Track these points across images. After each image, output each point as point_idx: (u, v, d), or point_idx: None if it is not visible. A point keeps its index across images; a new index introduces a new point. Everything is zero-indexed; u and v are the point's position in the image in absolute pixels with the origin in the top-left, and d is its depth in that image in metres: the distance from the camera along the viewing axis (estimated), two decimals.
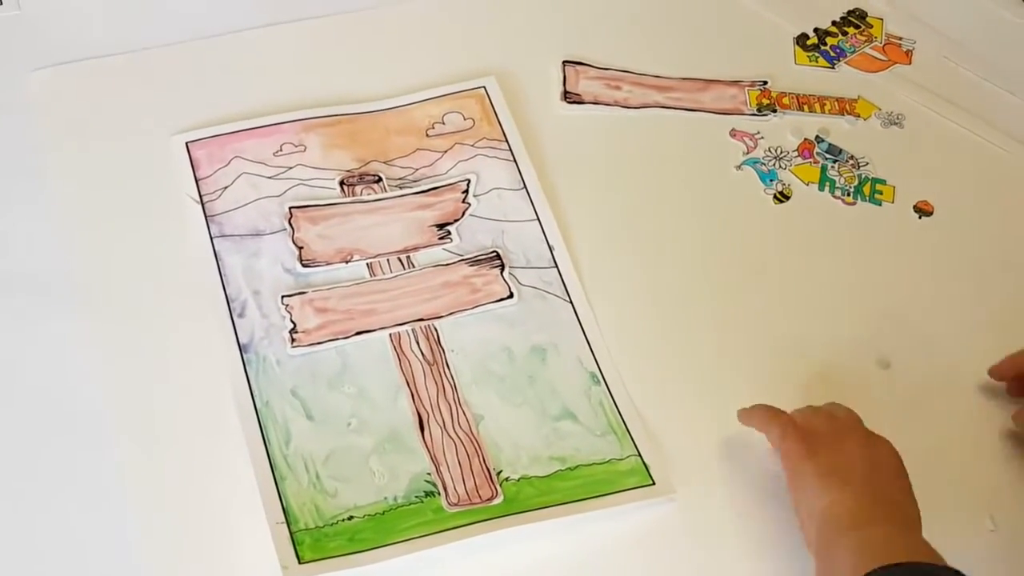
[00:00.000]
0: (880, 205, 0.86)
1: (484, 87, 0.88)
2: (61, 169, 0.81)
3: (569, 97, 0.89)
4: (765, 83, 0.92)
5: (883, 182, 0.87)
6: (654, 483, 0.71)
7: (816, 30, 0.96)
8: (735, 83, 0.92)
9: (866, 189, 0.87)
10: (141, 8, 0.90)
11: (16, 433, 0.70)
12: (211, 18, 0.90)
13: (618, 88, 0.90)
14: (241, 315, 0.75)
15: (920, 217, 0.86)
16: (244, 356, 0.74)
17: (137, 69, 0.86)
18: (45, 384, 0.72)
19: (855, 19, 0.97)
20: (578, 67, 0.91)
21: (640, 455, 0.72)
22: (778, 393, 0.73)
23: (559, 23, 0.94)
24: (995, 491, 0.73)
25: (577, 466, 0.71)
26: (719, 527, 0.70)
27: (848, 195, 0.87)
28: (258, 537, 0.66)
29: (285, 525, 0.67)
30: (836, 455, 0.67)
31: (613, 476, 0.71)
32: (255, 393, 0.72)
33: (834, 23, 0.97)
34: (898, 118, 0.91)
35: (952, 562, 0.60)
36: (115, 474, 0.68)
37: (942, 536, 0.62)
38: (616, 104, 0.89)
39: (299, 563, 0.65)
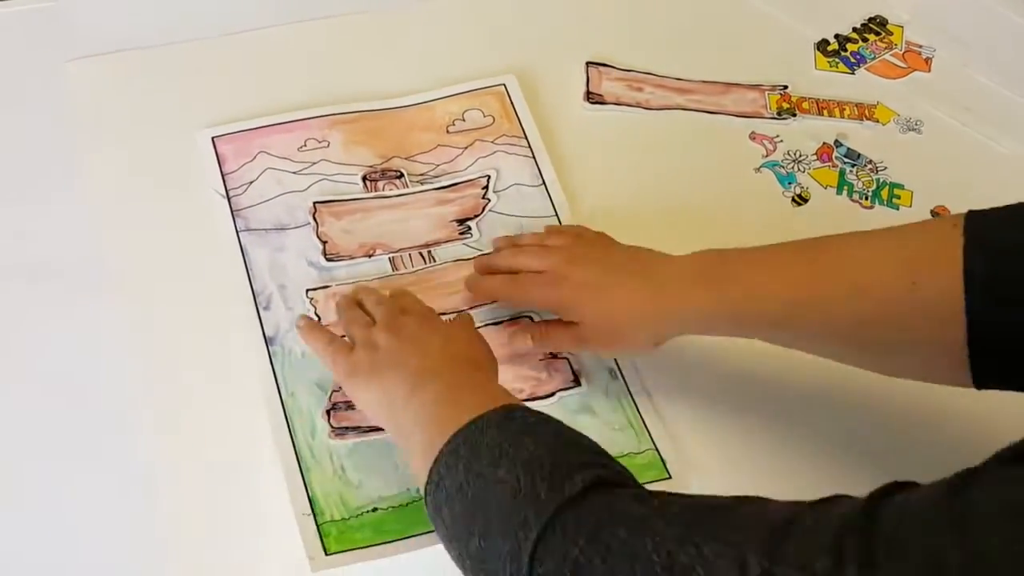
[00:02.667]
0: (898, 209, 0.87)
1: (504, 84, 0.89)
2: (91, 160, 0.82)
3: (592, 97, 0.90)
4: (785, 87, 0.93)
5: (901, 187, 0.88)
6: (671, 477, 0.72)
7: (837, 36, 0.97)
8: (755, 87, 0.93)
9: (884, 193, 0.88)
10: (173, 2, 0.91)
11: (45, 420, 0.71)
12: (240, 14, 0.91)
13: (640, 90, 0.91)
14: (267, 308, 0.77)
15: None
16: (270, 349, 0.75)
17: (167, 63, 0.88)
18: (73, 374, 0.73)
19: (876, 26, 0.98)
20: (601, 68, 0.92)
21: (657, 449, 0.73)
22: (793, 386, 0.75)
23: (579, 24, 0.95)
24: None
25: None
26: None
27: (866, 199, 0.88)
28: (284, 528, 0.68)
29: (311, 517, 0.68)
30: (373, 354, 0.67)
31: (630, 470, 0.72)
32: (281, 385, 0.73)
33: (855, 29, 0.98)
34: (916, 124, 0.92)
35: None
36: (142, 466, 0.69)
37: None
38: (638, 105, 0.90)
39: (325, 554, 0.67)
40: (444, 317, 0.76)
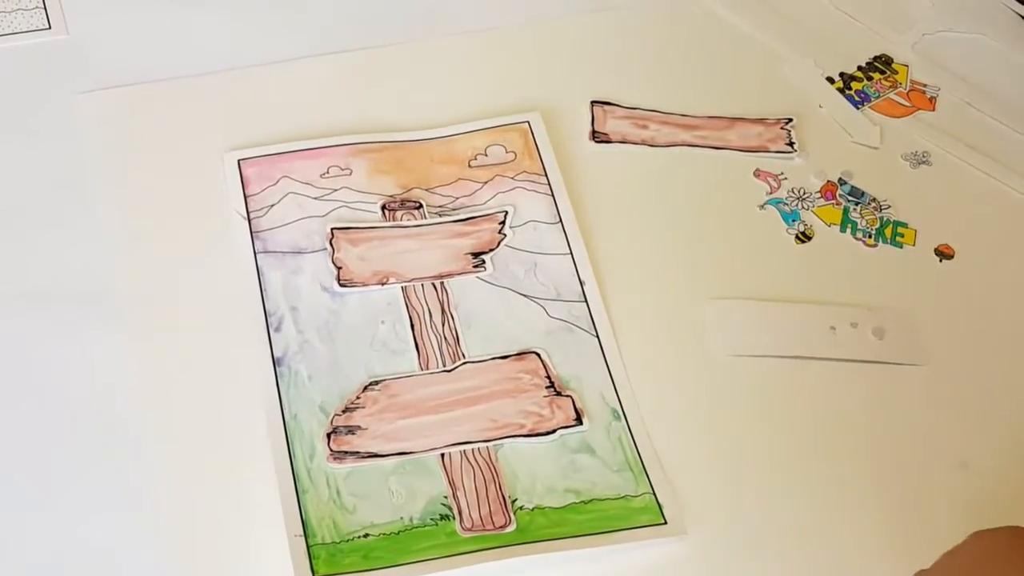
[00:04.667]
0: (901, 247, 0.87)
1: (528, 122, 0.90)
2: (110, 186, 0.83)
3: (597, 137, 0.91)
4: (790, 120, 0.93)
5: (905, 225, 0.89)
6: (666, 522, 0.72)
7: (842, 74, 0.97)
8: (760, 121, 0.93)
9: (888, 231, 0.88)
10: (191, 36, 0.92)
11: (55, 439, 0.72)
12: (260, 48, 0.92)
13: (645, 127, 0.92)
14: (277, 329, 0.78)
15: (941, 260, 0.87)
16: (277, 369, 0.76)
17: (185, 94, 0.89)
18: (79, 390, 0.74)
19: (881, 65, 0.98)
20: (606, 107, 0.93)
21: (654, 493, 0.73)
22: (796, 428, 0.76)
23: (600, 61, 0.96)
24: None
25: (591, 500, 0.72)
26: (728, 571, 0.71)
27: (870, 237, 0.88)
28: (275, 548, 0.68)
29: (303, 538, 0.69)
30: None
31: (626, 512, 0.72)
32: (284, 406, 0.74)
33: (860, 68, 0.98)
34: (920, 163, 0.92)
35: None
36: (145, 476, 0.71)
37: None
38: (643, 143, 0.91)
39: None
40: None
